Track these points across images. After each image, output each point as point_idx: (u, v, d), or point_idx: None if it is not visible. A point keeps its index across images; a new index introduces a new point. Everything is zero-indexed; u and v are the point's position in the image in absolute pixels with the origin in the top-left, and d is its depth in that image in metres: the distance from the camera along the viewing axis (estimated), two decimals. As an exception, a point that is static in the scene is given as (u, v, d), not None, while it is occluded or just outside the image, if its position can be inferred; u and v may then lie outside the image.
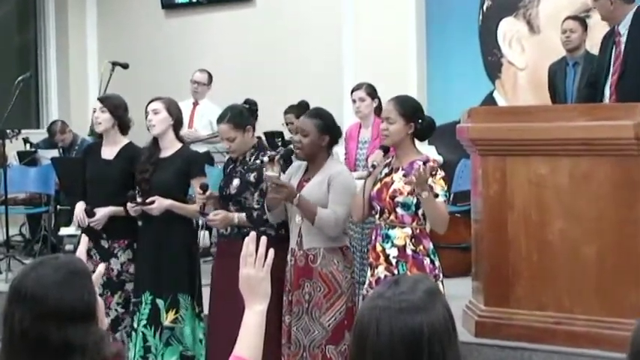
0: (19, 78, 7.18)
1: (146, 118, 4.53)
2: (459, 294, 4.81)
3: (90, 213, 4.54)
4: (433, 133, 4.00)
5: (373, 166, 3.85)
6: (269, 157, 3.95)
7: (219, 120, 4.28)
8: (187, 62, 8.33)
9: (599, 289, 4.35)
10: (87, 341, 1.77)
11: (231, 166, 4.35)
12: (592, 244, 4.35)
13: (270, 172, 3.88)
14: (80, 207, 4.57)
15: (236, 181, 4.25)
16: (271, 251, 2.06)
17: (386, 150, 3.90)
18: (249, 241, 2.05)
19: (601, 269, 4.34)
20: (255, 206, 4.20)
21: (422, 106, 3.99)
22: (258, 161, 4.24)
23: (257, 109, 4.37)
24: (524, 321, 4.49)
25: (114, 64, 6.94)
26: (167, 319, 4.38)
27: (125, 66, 7.08)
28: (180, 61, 8.42)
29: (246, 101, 4.38)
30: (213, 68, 8.47)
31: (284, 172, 4.17)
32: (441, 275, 3.83)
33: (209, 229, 6.03)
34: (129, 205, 4.39)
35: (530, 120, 4.53)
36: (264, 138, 6.33)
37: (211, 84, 7.67)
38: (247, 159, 4.27)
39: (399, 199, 3.75)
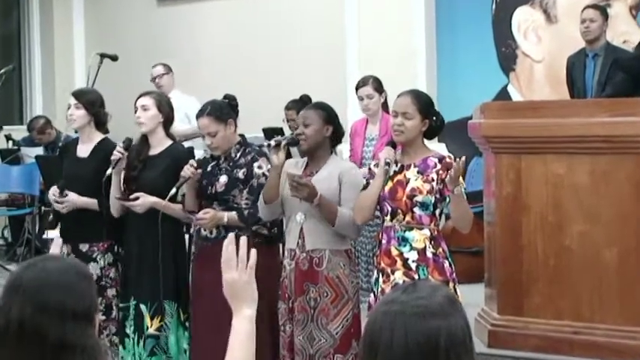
0: (1, 71, 7.18)
1: (135, 112, 4.53)
2: (471, 301, 4.79)
3: (62, 192, 4.51)
4: (442, 131, 3.99)
5: (388, 164, 3.80)
6: (275, 141, 3.94)
7: (200, 114, 4.29)
8: (181, 54, 8.34)
9: (621, 296, 4.35)
10: (86, 342, 1.81)
11: (212, 164, 4.34)
12: (613, 248, 4.35)
13: (291, 170, 3.88)
14: (54, 187, 4.58)
15: (223, 179, 4.25)
16: (253, 252, 2.06)
17: (394, 146, 3.88)
18: (228, 243, 2.04)
19: (623, 275, 4.34)
20: (244, 205, 4.21)
21: (435, 105, 3.98)
22: (248, 157, 4.24)
23: (237, 105, 4.39)
24: (540, 330, 4.49)
25: (102, 55, 6.94)
26: (152, 326, 4.38)
27: (114, 58, 7.08)
28: (173, 53, 8.43)
29: (226, 96, 4.38)
30: (208, 61, 8.49)
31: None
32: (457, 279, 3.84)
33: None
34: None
35: (546, 116, 4.53)
36: (262, 134, 6.34)
37: (172, 72, 7.60)
38: (233, 155, 4.28)
39: (419, 198, 3.73)
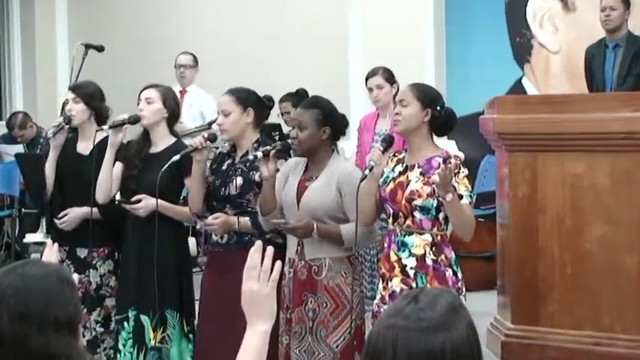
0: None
1: (138, 105, 4.52)
2: (483, 310, 4.81)
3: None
4: (453, 128, 3.98)
5: (371, 167, 3.76)
6: (263, 152, 3.94)
7: (224, 93, 4.30)
8: (170, 44, 8.34)
9: (644, 305, 4.36)
10: (70, 353, 1.81)
11: (228, 162, 4.32)
12: (635, 253, 4.35)
13: (276, 221, 3.91)
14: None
15: (239, 180, 4.22)
16: (278, 264, 2.07)
17: (386, 147, 3.85)
18: (255, 251, 2.05)
19: (646, 282, 4.35)
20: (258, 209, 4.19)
21: (442, 97, 3.97)
22: (250, 156, 4.22)
23: (270, 107, 4.41)
24: (557, 341, 4.49)
25: (87, 46, 6.94)
26: (154, 338, 4.37)
27: (100, 49, 7.08)
28: (162, 44, 8.44)
29: (265, 96, 4.41)
30: (200, 51, 8.46)
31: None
32: (464, 289, 3.83)
33: (196, 235, 6.00)
34: None
35: (564, 111, 4.53)
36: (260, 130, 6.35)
37: (198, 66, 7.67)
38: (250, 155, 4.26)
39: (418, 201, 3.72)
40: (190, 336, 4.43)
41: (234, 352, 2.05)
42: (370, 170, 3.76)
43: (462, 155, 3.97)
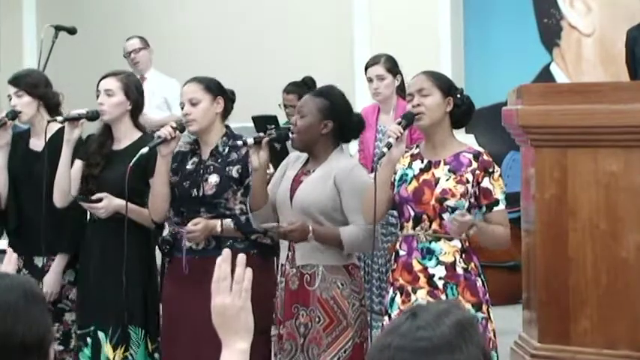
0: None
1: (97, 97, 4.51)
2: (506, 327, 4.81)
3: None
4: (471, 118, 4.00)
5: (389, 145, 3.71)
6: (255, 138, 3.93)
7: (187, 82, 4.30)
8: (156, 27, 8.33)
9: (688, 321, 4.36)
10: None
11: (193, 161, 4.31)
12: (679, 263, 4.36)
13: (266, 225, 3.92)
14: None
15: (214, 178, 4.22)
16: (249, 272, 2.06)
17: (407, 124, 3.81)
18: (222, 261, 2.04)
19: (690, 295, 4.35)
20: (237, 210, 4.19)
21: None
22: (242, 151, 4.22)
23: (234, 101, 4.41)
24: (590, 362, 4.50)
25: (57, 28, 6.95)
26: (115, 357, 4.37)
27: (72, 31, 7.09)
28: (145, 26, 8.42)
29: (228, 89, 4.42)
30: (189, 36, 8.49)
31: (275, 162, 4.19)
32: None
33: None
34: None
35: (598, 101, 4.53)
36: (252, 123, 6.35)
37: (150, 47, 7.62)
38: (221, 150, 4.27)
39: (450, 202, 3.70)
40: (156, 355, 4.42)
41: None
42: (389, 148, 3.73)
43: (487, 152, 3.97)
